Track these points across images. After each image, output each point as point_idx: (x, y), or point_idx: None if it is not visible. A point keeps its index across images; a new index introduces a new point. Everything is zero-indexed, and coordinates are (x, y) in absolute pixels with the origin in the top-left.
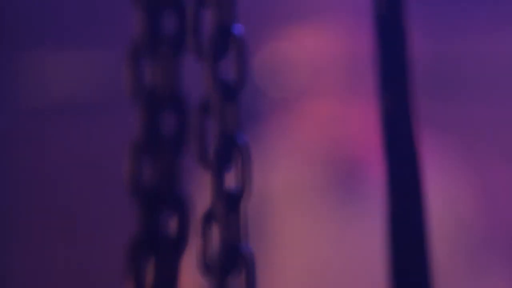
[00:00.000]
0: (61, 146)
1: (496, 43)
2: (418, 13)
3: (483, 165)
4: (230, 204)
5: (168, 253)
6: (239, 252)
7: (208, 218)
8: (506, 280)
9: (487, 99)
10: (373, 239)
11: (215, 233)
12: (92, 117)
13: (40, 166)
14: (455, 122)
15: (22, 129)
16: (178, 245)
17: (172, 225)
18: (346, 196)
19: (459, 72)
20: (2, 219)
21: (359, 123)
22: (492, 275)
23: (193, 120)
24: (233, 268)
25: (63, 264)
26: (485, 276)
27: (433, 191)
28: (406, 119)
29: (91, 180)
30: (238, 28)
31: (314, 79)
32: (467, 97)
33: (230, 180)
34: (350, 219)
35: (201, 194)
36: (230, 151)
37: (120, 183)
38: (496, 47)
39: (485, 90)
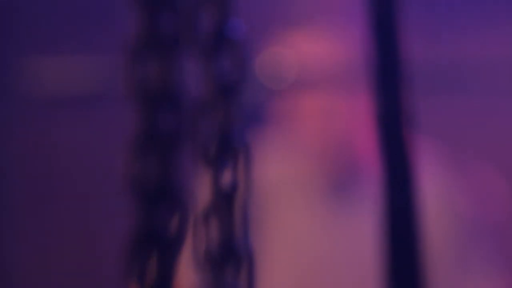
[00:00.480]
0: (60, 144)
1: (489, 45)
2: (412, 15)
3: (472, 165)
4: (229, 201)
5: (167, 249)
6: (239, 248)
7: (207, 215)
8: (492, 274)
9: (477, 100)
10: (367, 233)
11: (215, 229)
12: (92, 116)
13: (38, 164)
14: (448, 122)
15: (22, 126)
16: (176, 241)
17: (171, 221)
18: (341, 190)
19: (453, 73)
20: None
21: (355, 120)
22: (479, 269)
23: (192, 118)
24: (232, 264)
25: (61, 261)
26: (472, 270)
27: (426, 187)
28: (400, 118)
29: (90, 178)
30: (237, 26)
31: (311, 77)
32: (459, 98)
33: (230, 177)
34: (345, 214)
35: (200, 192)
36: (229, 149)
37: (119, 181)
38: (489, 50)
39: (479, 91)
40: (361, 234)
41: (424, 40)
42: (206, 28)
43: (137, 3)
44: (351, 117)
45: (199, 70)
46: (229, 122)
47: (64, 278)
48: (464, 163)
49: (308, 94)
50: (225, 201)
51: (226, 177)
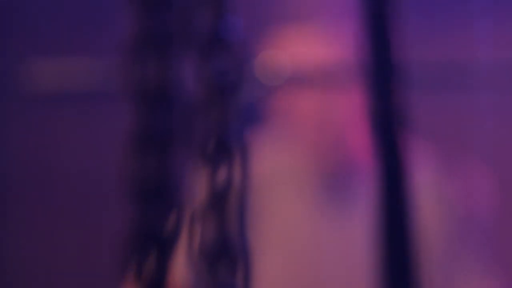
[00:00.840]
0: (59, 144)
1: (488, 45)
2: (412, 15)
3: (466, 164)
4: (225, 200)
5: (163, 247)
6: (234, 246)
7: (203, 213)
8: (485, 271)
9: (474, 99)
10: (362, 230)
11: (210, 227)
12: (91, 116)
13: (37, 164)
14: (444, 121)
15: (22, 126)
16: (172, 239)
17: (167, 219)
18: (336, 188)
19: (451, 73)
20: None
21: (350, 118)
22: (473, 267)
23: (189, 117)
24: (227, 261)
25: (59, 259)
26: (465, 267)
27: (420, 185)
28: (395, 116)
29: (88, 177)
30: (234, 26)
31: (307, 76)
32: (456, 97)
33: (226, 176)
34: (340, 211)
35: (196, 190)
36: (225, 148)
37: (117, 179)
38: (488, 50)
39: (476, 90)
40: (356, 231)
41: (423, 40)
42: (203, 28)
43: (135, 3)
44: (346, 115)
45: (196, 69)
46: (226, 121)
47: (63, 276)
48: (459, 162)
49: (303, 92)
50: (221, 200)
51: (223, 176)
